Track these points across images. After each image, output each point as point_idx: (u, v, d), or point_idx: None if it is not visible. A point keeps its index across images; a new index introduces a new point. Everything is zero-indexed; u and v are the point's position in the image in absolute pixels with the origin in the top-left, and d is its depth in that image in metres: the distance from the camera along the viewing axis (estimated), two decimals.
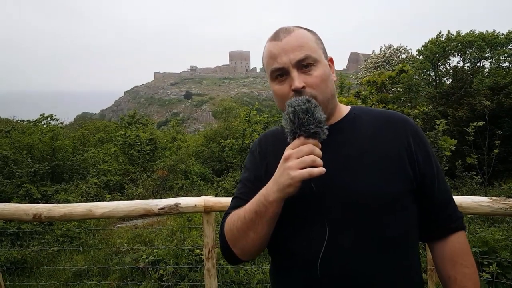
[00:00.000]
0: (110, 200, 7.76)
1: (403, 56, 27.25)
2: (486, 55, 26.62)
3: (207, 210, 3.07)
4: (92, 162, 11.59)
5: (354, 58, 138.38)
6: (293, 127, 0.91)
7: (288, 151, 0.93)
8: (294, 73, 1.00)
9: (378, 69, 26.37)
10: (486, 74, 24.23)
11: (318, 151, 0.91)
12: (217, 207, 3.10)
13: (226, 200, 3.20)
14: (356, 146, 1.04)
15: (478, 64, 26.97)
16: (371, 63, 27.63)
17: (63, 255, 4.58)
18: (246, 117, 7.28)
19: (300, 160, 0.89)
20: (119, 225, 6.75)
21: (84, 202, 7.51)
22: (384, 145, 1.04)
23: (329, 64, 1.09)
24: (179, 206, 3.02)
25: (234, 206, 1.11)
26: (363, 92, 5.90)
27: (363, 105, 6.09)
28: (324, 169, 0.89)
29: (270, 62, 1.04)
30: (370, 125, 1.09)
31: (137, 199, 8.18)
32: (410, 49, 28.26)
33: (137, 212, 3.02)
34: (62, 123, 13.23)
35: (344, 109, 1.15)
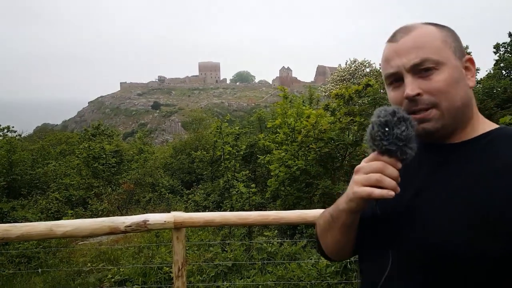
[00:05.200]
0: (72, 215, 7.37)
1: (367, 70, 28.23)
2: None
3: (177, 227, 2.94)
4: (53, 175, 11.04)
5: (321, 71, 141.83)
6: (369, 139, 0.83)
7: (361, 163, 0.85)
8: (408, 79, 0.87)
9: (344, 82, 27.18)
10: None
11: (391, 170, 0.80)
12: (188, 223, 2.98)
13: (198, 216, 3.10)
14: (471, 183, 0.81)
15: None
16: (338, 76, 28.47)
17: (20, 277, 4.25)
18: (217, 129, 7.22)
19: (366, 177, 0.81)
20: (82, 243, 6.42)
21: (44, 218, 7.10)
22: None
23: (465, 66, 0.89)
24: (147, 223, 2.87)
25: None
26: (332, 105, 6.03)
27: (333, 118, 6.21)
28: (391, 193, 0.79)
29: (384, 66, 0.93)
30: (506, 155, 0.81)
31: (101, 214, 7.83)
32: (374, 63, 29.36)
33: (102, 231, 2.85)
34: (20, 135, 12.54)
35: (484, 126, 0.90)
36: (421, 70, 0.85)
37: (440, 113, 0.85)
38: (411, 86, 0.85)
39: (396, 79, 0.90)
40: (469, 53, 0.96)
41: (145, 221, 2.89)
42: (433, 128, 0.86)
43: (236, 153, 7.27)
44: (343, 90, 6.02)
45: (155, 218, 2.92)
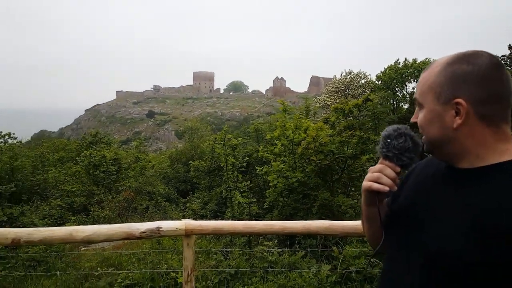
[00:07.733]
0: (74, 222, 7.52)
1: (363, 81, 28.44)
2: None
3: (188, 234, 3.15)
4: (53, 182, 11.14)
5: (315, 81, 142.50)
6: (378, 148, 1.06)
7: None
8: (416, 108, 1.07)
9: (339, 93, 27.39)
10: None
11: (389, 171, 1.01)
12: (198, 230, 3.19)
13: (207, 224, 3.31)
14: (467, 205, 0.92)
15: None
16: (332, 87, 28.47)
17: (30, 280, 4.40)
18: (221, 141, 7.45)
19: (370, 174, 1.04)
20: (84, 248, 6.55)
21: (49, 224, 7.24)
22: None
23: (456, 108, 0.94)
24: (160, 229, 3.09)
25: None
26: (331, 118, 6.26)
27: (332, 131, 6.43)
28: (386, 188, 1.00)
29: None
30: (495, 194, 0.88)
31: (103, 221, 7.99)
32: (369, 74, 29.60)
33: (118, 236, 3.06)
34: (21, 142, 12.65)
35: (499, 157, 0.94)
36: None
37: (425, 141, 1.03)
38: (414, 115, 1.07)
39: None
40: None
41: (158, 228, 3.11)
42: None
43: (239, 164, 7.52)
44: (343, 104, 6.23)
45: (168, 225, 3.13)
